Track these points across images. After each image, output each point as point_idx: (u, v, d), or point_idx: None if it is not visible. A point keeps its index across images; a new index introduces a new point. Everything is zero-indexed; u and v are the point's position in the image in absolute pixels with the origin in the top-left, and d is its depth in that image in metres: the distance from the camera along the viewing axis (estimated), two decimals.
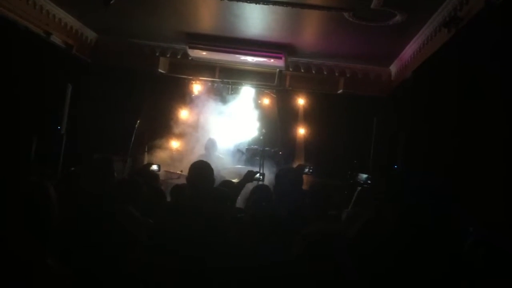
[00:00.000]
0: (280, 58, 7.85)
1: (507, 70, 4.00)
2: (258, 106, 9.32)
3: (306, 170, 4.95)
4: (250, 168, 6.73)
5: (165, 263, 2.91)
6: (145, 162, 8.37)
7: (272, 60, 7.99)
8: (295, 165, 7.88)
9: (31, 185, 2.02)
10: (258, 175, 4.71)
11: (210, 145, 8.21)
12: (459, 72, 4.90)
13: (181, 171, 7.39)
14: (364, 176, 4.47)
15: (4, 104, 5.84)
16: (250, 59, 8.04)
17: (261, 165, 7.03)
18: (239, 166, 8.37)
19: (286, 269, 2.45)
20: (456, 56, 5.02)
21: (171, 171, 7.76)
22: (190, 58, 8.24)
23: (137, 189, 3.63)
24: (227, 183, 4.79)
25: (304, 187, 6.28)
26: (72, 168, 4.89)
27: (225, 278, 2.83)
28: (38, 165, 5.96)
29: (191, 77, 8.71)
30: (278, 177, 3.96)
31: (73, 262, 2.17)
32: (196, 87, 9.03)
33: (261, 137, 8.40)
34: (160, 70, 8.77)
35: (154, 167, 6.21)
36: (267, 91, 9.30)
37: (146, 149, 8.60)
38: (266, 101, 9.31)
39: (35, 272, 1.81)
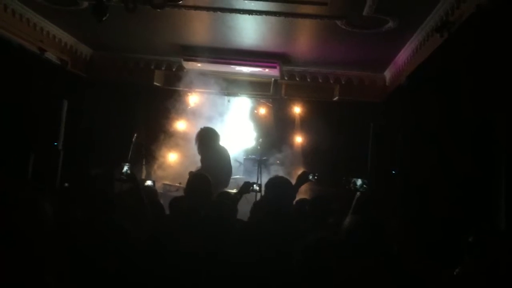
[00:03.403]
0: (275, 67, 7.88)
1: (500, 72, 4.02)
2: (255, 116, 9.33)
3: (310, 177, 4.90)
4: (248, 178, 6.72)
5: (163, 276, 2.90)
6: (144, 175, 8.35)
7: (267, 70, 8.02)
8: (295, 173, 7.85)
9: (27, 201, 2.01)
10: (254, 186, 4.70)
11: None
12: (453, 76, 4.92)
13: (180, 183, 7.37)
14: (360, 181, 4.44)
15: (1, 122, 5.85)
16: (245, 69, 8.06)
17: (259, 175, 7.03)
18: (238, 176, 8.35)
19: (285, 279, 2.44)
20: (449, 60, 5.05)
21: (169, 183, 7.74)
22: (185, 70, 8.26)
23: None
24: (224, 195, 4.78)
25: (305, 195, 6.27)
26: (66, 184, 4.89)
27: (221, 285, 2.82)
28: (36, 181, 5.95)
29: (186, 89, 8.71)
30: (267, 186, 3.95)
31: (70, 278, 2.16)
32: (192, 99, 9.03)
33: (259, 147, 8.40)
34: (155, 83, 8.79)
35: (149, 182, 6.15)
36: (263, 101, 9.31)
37: (144, 162, 8.59)
38: (262, 110, 9.33)
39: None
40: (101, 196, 3.66)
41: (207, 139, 6.60)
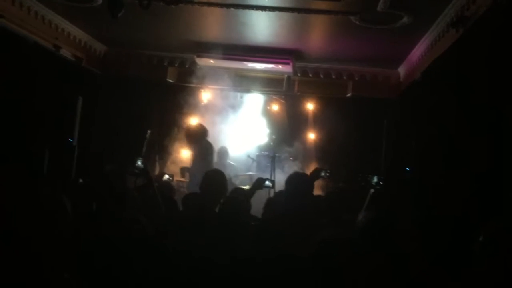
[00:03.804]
0: (288, 63, 7.85)
1: None
2: (268, 112, 9.33)
3: (323, 174, 4.92)
4: (261, 175, 6.74)
5: (177, 272, 2.91)
6: (157, 171, 8.40)
7: (280, 66, 7.99)
8: (308, 169, 7.86)
9: (47, 198, 2.03)
10: (267, 182, 4.71)
11: (222, 153, 8.23)
12: (468, 72, 4.87)
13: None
14: (375, 177, 4.42)
15: (16, 118, 5.91)
16: (258, 66, 8.05)
17: (272, 172, 7.03)
18: (251, 173, 8.38)
19: (300, 275, 2.44)
20: (464, 56, 4.99)
21: (183, 180, 7.78)
22: (198, 67, 8.27)
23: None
24: (238, 191, 4.80)
25: (319, 191, 6.26)
26: (81, 180, 4.93)
27: (238, 285, 2.82)
28: (51, 178, 6.00)
29: (199, 86, 8.74)
30: (287, 182, 3.95)
31: (88, 274, 2.18)
32: (205, 96, 9.06)
33: (272, 143, 8.40)
34: (169, 80, 8.81)
35: (167, 176, 6.18)
36: (276, 97, 9.30)
37: (157, 159, 8.63)
38: (275, 107, 9.32)
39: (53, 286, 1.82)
40: (116, 191, 3.68)
41: (197, 134, 7.04)
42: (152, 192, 3.92)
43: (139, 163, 4.20)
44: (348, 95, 8.77)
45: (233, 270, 2.90)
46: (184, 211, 4.51)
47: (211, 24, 6.85)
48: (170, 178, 6.36)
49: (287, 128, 9.01)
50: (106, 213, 3.53)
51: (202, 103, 8.97)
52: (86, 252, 2.50)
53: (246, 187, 6.06)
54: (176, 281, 2.88)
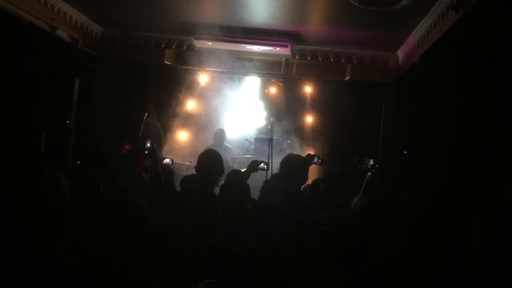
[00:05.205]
0: (286, 46, 7.80)
1: None
2: (265, 95, 9.29)
3: (315, 160, 4.93)
4: (258, 158, 6.74)
5: (174, 252, 2.92)
6: None
7: (278, 49, 7.95)
8: (305, 153, 7.86)
9: (44, 175, 2.02)
10: (262, 164, 4.71)
11: (219, 135, 8.22)
12: (467, 56, 4.84)
13: (190, 162, 7.39)
14: (371, 161, 4.42)
15: (13, 100, 5.87)
16: (256, 48, 8.00)
17: (270, 155, 7.03)
18: (248, 156, 8.37)
19: (298, 254, 2.45)
20: (464, 39, 4.96)
21: (180, 162, 7.77)
22: (195, 49, 8.22)
23: (139, 178, 3.62)
24: (235, 173, 4.80)
25: (316, 175, 6.27)
26: (78, 162, 4.92)
27: (236, 262, 2.84)
28: (48, 160, 5.99)
29: (197, 68, 8.69)
30: (283, 163, 3.95)
31: (82, 251, 2.18)
32: (203, 78, 9.02)
33: (269, 127, 8.38)
34: (166, 62, 8.75)
35: (167, 160, 6.20)
36: (274, 80, 9.26)
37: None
38: (273, 90, 9.29)
39: (47, 259, 1.83)
40: (113, 172, 3.68)
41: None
42: (157, 174, 3.91)
43: (149, 144, 4.20)
44: (347, 78, 8.74)
45: (232, 253, 2.91)
46: (182, 192, 4.52)
47: (209, 6, 6.79)
48: (170, 161, 6.39)
49: (285, 111, 8.98)
50: (102, 195, 3.53)
51: (200, 85, 8.93)
52: (82, 231, 2.50)
53: (243, 170, 6.07)
54: (174, 262, 2.89)
